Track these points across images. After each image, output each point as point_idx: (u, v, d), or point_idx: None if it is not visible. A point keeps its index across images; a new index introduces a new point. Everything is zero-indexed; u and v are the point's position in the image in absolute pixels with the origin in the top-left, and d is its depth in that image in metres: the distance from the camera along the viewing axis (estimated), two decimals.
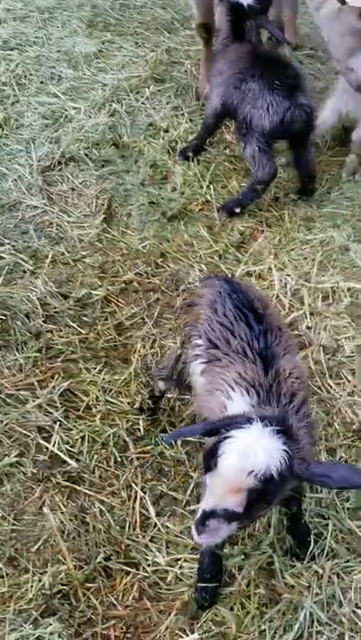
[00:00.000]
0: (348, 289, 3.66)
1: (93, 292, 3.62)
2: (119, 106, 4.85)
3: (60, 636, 2.41)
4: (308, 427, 2.25)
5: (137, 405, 3.11)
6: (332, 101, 4.48)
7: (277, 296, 3.66)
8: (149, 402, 3.06)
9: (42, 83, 5.12)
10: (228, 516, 1.92)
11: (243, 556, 2.60)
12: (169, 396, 3.10)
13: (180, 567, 2.63)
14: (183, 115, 4.84)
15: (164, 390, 2.95)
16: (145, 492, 2.87)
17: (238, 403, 2.21)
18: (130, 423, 3.09)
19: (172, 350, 2.84)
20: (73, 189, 4.24)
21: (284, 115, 3.88)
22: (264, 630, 2.42)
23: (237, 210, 4.13)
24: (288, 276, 3.77)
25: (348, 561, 2.60)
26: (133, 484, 2.89)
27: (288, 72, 4.00)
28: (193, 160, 4.45)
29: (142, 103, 4.95)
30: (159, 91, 5.06)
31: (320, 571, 2.55)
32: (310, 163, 4.27)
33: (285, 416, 2.12)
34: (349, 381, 3.26)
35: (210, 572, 2.51)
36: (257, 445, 1.89)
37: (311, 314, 3.56)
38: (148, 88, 5.04)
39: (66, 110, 4.80)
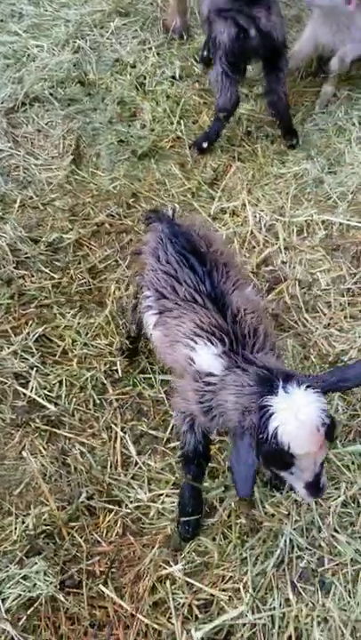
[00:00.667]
0: (323, 222, 3.62)
1: (65, 235, 3.56)
2: (83, 42, 4.66)
3: (45, 574, 2.45)
4: (279, 355, 2.32)
5: (117, 346, 3.10)
6: (308, 30, 4.34)
7: (251, 232, 3.61)
8: (127, 342, 3.03)
9: (1, 21, 4.89)
10: (323, 464, 2.06)
11: (223, 489, 2.64)
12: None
13: (162, 502, 2.67)
14: (150, 49, 4.66)
15: (137, 332, 2.93)
16: (125, 432, 2.89)
17: (204, 354, 2.21)
18: (107, 365, 3.08)
19: (130, 301, 2.85)
20: (39, 131, 4.10)
21: (241, 28, 3.63)
22: (245, 558, 2.48)
23: (205, 144, 4.02)
24: (262, 211, 3.71)
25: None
26: (113, 425, 2.91)
27: None
28: (162, 94, 4.31)
29: (107, 38, 4.75)
30: (124, 25, 4.86)
31: (299, 499, 2.60)
32: (280, 98, 3.98)
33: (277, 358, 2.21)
34: (325, 314, 3.25)
35: (191, 505, 2.55)
36: (296, 403, 1.95)
37: (286, 248, 3.52)
38: (113, 22, 4.84)
39: (28, 49, 4.60)
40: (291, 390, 1.98)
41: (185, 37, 4.80)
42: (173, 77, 4.48)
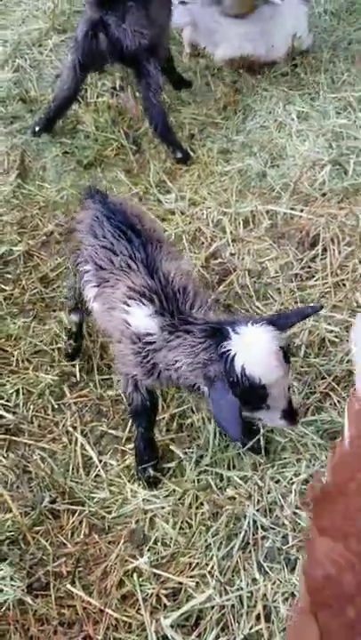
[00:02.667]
0: (267, 212, 3.68)
1: (14, 248, 3.57)
2: (23, 61, 4.73)
3: (12, 579, 2.43)
4: (213, 310, 2.46)
5: (63, 351, 3.11)
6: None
7: (199, 229, 3.66)
8: (71, 342, 3.06)
9: None
10: (289, 388, 2.27)
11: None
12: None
13: (125, 499, 2.67)
14: None
15: (79, 322, 3.00)
16: (85, 435, 2.88)
17: (138, 315, 2.34)
18: (64, 370, 3.09)
19: (68, 278, 2.94)
20: None
21: (90, 28, 3.69)
22: (210, 544, 2.48)
23: (36, 128, 4.19)
24: (209, 208, 3.76)
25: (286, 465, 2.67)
26: (73, 429, 2.90)
27: None
28: (104, 105, 4.37)
29: (47, 56, 4.83)
30: (62, 41, 4.94)
31: (260, 483, 2.61)
32: (152, 105, 3.94)
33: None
34: (276, 300, 3.29)
35: (147, 453, 2.67)
36: (250, 338, 2.14)
37: (234, 241, 3.57)
38: (51, 40, 4.92)
39: None
40: (240, 330, 2.16)
41: None
42: (114, 88, 4.54)
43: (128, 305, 2.36)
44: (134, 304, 2.35)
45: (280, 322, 2.24)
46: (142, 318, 2.33)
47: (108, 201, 2.69)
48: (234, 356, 2.11)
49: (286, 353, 2.17)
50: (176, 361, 2.27)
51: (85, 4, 3.78)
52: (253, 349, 2.12)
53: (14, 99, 4.44)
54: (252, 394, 2.14)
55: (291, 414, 2.26)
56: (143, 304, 2.33)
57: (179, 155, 4.07)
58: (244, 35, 4.53)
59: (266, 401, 2.17)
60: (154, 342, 2.32)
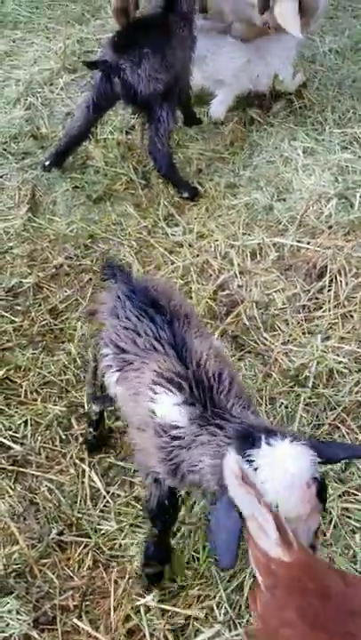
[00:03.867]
0: (274, 244, 3.72)
1: (24, 280, 3.61)
2: (34, 99, 4.85)
3: (18, 613, 2.40)
4: (253, 408, 2.10)
5: (84, 440, 2.94)
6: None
7: (207, 261, 3.69)
8: (91, 430, 2.87)
9: None
10: (317, 533, 1.78)
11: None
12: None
13: (133, 532, 2.64)
14: None
15: (101, 411, 2.79)
16: (93, 466, 2.88)
17: (166, 404, 2.03)
18: (72, 401, 3.10)
19: (89, 365, 2.71)
20: None
21: (107, 72, 3.77)
22: (219, 577, 2.45)
23: (47, 163, 4.24)
24: (216, 240, 3.81)
25: None
26: (80, 460, 2.89)
27: (137, 37, 3.84)
28: (113, 142, 4.47)
29: (58, 94, 4.95)
30: (73, 80, 5.07)
31: None
32: (157, 150, 4.01)
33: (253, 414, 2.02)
34: (283, 332, 3.30)
35: (156, 558, 2.42)
36: (282, 456, 1.72)
37: (241, 273, 3.60)
38: (62, 79, 5.05)
39: None
40: (275, 443, 1.75)
41: None
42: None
43: (154, 392, 2.06)
44: (161, 391, 2.04)
45: (326, 450, 1.82)
46: (169, 408, 2.01)
47: (130, 279, 2.47)
48: (255, 470, 1.72)
49: (322, 489, 1.74)
50: (200, 460, 1.94)
51: (101, 48, 3.88)
52: (279, 470, 1.71)
53: (26, 135, 4.54)
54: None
55: None
56: (171, 391, 2.02)
57: (185, 194, 4.12)
58: (230, 60, 4.61)
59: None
60: (181, 437, 1.99)
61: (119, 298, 2.37)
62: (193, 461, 1.96)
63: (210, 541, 2.13)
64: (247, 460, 1.73)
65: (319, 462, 1.76)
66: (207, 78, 4.72)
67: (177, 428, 1.99)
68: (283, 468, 1.69)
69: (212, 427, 1.93)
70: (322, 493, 1.74)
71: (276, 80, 4.71)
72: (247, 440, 1.78)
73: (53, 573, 2.53)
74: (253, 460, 1.73)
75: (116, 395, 2.37)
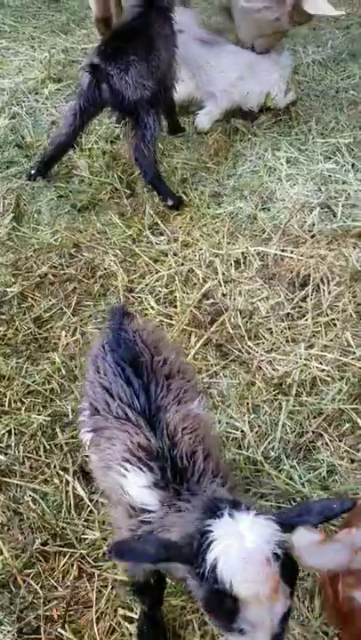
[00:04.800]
0: (258, 253, 3.75)
1: (8, 289, 3.61)
2: (19, 108, 4.86)
3: (2, 624, 2.39)
4: (225, 475, 1.95)
5: (76, 466, 2.86)
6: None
7: (192, 270, 3.71)
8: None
9: None
10: (285, 622, 1.55)
11: None
12: None
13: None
14: None
15: None
16: (77, 476, 2.87)
17: (135, 484, 1.89)
18: (56, 410, 3.09)
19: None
20: None
21: (94, 78, 3.81)
22: None
23: (32, 172, 4.25)
24: (200, 249, 3.83)
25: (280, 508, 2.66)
26: (64, 470, 2.89)
27: (122, 46, 3.85)
28: (99, 151, 4.49)
29: (42, 103, 4.97)
30: (58, 90, 5.09)
31: None
32: (143, 156, 4.01)
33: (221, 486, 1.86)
34: (267, 340, 3.33)
35: (150, 635, 2.31)
36: (241, 529, 1.57)
37: (225, 281, 3.62)
38: (47, 88, 5.07)
39: None
40: (237, 515, 1.59)
41: None
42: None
43: (126, 469, 1.91)
44: (131, 469, 1.89)
45: (295, 521, 1.62)
46: (139, 489, 1.87)
47: (121, 327, 2.29)
48: (211, 542, 1.55)
49: (290, 568, 1.55)
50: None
51: (89, 54, 3.91)
52: (236, 543, 1.53)
53: (10, 144, 4.55)
54: (218, 601, 1.52)
55: None
56: (142, 471, 1.87)
57: (170, 202, 4.14)
58: (224, 74, 4.68)
59: (237, 620, 1.50)
60: (152, 522, 1.83)
61: (103, 347, 2.24)
62: None
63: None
64: (206, 532, 1.58)
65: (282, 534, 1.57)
66: (199, 88, 4.77)
67: (147, 511, 1.85)
68: (240, 543, 1.53)
69: (181, 505, 1.79)
70: (288, 574, 1.53)
71: (268, 97, 4.79)
72: (210, 511, 1.65)
73: (37, 584, 2.52)
74: (212, 532, 1.57)
75: (89, 457, 2.26)
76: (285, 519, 1.62)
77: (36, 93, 5.03)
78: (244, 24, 4.74)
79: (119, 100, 3.85)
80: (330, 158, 4.47)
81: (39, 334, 3.43)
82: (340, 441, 2.92)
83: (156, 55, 3.96)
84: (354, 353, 3.23)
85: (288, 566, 1.54)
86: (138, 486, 1.87)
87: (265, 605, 1.48)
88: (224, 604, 1.50)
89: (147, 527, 1.83)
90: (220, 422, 2.98)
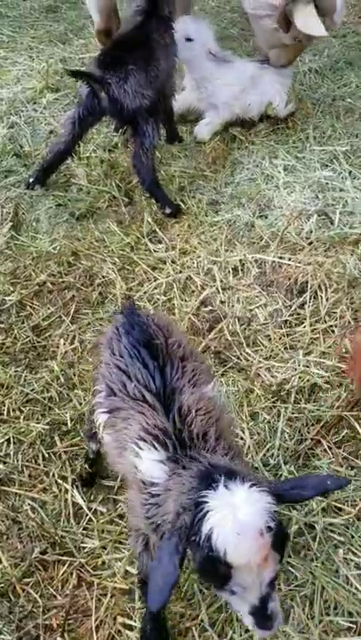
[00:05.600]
0: (256, 260, 3.76)
1: (7, 297, 3.61)
2: (17, 117, 4.88)
3: (1, 633, 2.39)
4: (235, 455, 2.01)
5: (75, 474, 2.88)
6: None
7: (190, 277, 3.72)
8: (87, 467, 2.81)
9: None
10: (273, 584, 1.67)
11: None
12: None
13: (117, 548, 2.64)
14: None
15: (97, 450, 2.68)
16: (75, 484, 2.86)
17: (148, 461, 1.96)
18: (55, 419, 3.09)
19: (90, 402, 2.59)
20: None
21: (94, 87, 3.82)
22: (202, 594, 2.44)
23: (31, 180, 4.26)
24: (199, 257, 3.84)
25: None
26: (63, 478, 2.88)
27: (123, 55, 3.88)
28: (97, 159, 4.52)
29: (41, 113, 4.98)
30: (56, 99, 5.11)
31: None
32: (141, 163, 4.03)
33: (224, 457, 1.92)
34: (266, 347, 3.33)
35: (153, 636, 2.30)
36: (236, 501, 1.64)
37: (223, 289, 3.63)
38: (45, 98, 5.08)
39: None
40: (233, 487, 1.67)
41: None
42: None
43: (140, 447, 1.99)
44: (146, 447, 1.97)
45: (289, 494, 1.74)
46: (151, 465, 1.94)
47: (132, 311, 2.37)
48: (206, 513, 1.64)
49: (280, 538, 1.65)
50: (169, 507, 1.85)
51: (88, 63, 3.93)
52: (233, 515, 1.61)
53: (9, 154, 4.56)
54: (212, 567, 1.63)
55: (262, 617, 1.65)
56: (155, 448, 1.95)
57: (168, 210, 4.15)
58: (227, 87, 4.70)
59: (228, 584, 1.63)
60: (159, 494, 1.91)
61: (117, 330, 2.30)
62: (165, 513, 1.87)
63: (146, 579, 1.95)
64: (201, 502, 1.66)
65: (287, 503, 1.69)
66: (201, 100, 4.79)
67: (155, 485, 1.92)
68: (234, 513, 1.61)
69: (182, 469, 1.87)
70: (279, 544, 1.64)
71: (269, 107, 4.82)
72: (206, 481, 1.72)
73: (37, 592, 2.52)
74: (207, 502, 1.66)
75: (102, 438, 2.29)
76: (280, 490, 1.72)
77: (34, 103, 5.05)
78: (256, 31, 4.81)
79: (118, 109, 3.86)
80: (327, 166, 4.49)
81: (38, 342, 3.43)
82: (338, 448, 2.92)
83: (155, 65, 3.98)
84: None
85: (279, 536, 1.64)
86: (149, 460, 1.95)
87: (255, 571, 1.61)
88: (218, 570, 1.62)
89: (154, 500, 1.92)
90: None
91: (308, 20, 4.19)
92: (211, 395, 2.15)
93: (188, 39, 4.48)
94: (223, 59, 4.69)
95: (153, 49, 3.99)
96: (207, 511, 1.64)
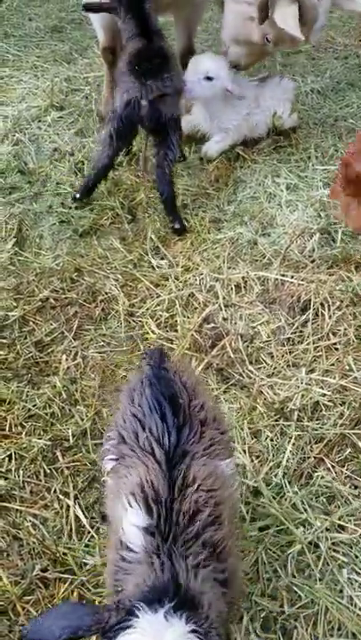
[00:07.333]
0: (259, 278, 3.77)
1: (10, 313, 3.62)
2: (22, 135, 4.92)
3: None
4: (216, 560, 1.78)
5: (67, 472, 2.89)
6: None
7: (193, 294, 3.73)
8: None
9: None
10: None
11: None
12: None
13: None
14: (86, 137, 4.94)
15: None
16: (77, 501, 2.85)
17: (130, 524, 1.81)
18: (57, 434, 3.08)
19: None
20: None
21: (133, 96, 3.91)
22: None
23: (77, 195, 4.32)
24: (201, 274, 3.85)
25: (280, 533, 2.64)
26: (65, 495, 2.87)
27: (160, 63, 3.98)
28: None
29: (45, 130, 5.03)
30: (61, 117, 5.16)
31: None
32: (164, 174, 4.13)
33: (184, 580, 1.64)
34: (268, 364, 3.33)
35: None
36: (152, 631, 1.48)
37: (226, 306, 3.64)
38: (50, 116, 5.14)
39: None
40: (170, 623, 1.49)
41: None
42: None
43: (129, 504, 1.84)
44: (135, 505, 1.82)
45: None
46: (131, 528, 1.80)
47: (161, 363, 2.26)
48: (128, 628, 1.50)
49: None
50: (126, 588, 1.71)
51: (123, 74, 4.03)
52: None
53: (13, 170, 4.59)
54: None
55: None
56: (142, 510, 1.80)
57: (177, 225, 4.18)
58: (235, 112, 4.76)
59: None
60: (130, 561, 1.77)
61: (141, 381, 2.18)
62: (126, 586, 1.73)
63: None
64: (133, 612, 1.51)
65: None
66: (212, 127, 4.83)
67: (130, 550, 1.78)
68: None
69: (151, 553, 1.72)
70: None
71: (275, 118, 4.88)
72: (155, 596, 1.56)
73: (37, 611, 2.49)
74: (136, 619, 1.51)
75: (106, 483, 2.24)
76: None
77: (39, 121, 5.10)
78: (225, 19, 4.76)
79: (157, 117, 3.95)
80: (329, 185, 4.51)
81: (40, 358, 3.43)
82: (342, 466, 2.91)
83: (177, 78, 4.12)
84: (355, 377, 3.23)
85: None
86: (131, 524, 1.81)
87: None
88: None
89: (123, 565, 1.79)
90: None
91: (287, 17, 4.17)
92: (225, 471, 2.01)
93: (208, 78, 4.50)
94: (238, 96, 4.71)
95: (169, 59, 4.11)
96: (130, 627, 1.50)
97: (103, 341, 3.53)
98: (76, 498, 2.85)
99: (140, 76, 3.92)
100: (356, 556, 2.59)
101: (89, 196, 4.35)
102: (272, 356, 3.37)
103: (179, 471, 1.87)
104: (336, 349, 3.39)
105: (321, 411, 3.12)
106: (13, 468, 2.95)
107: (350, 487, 2.83)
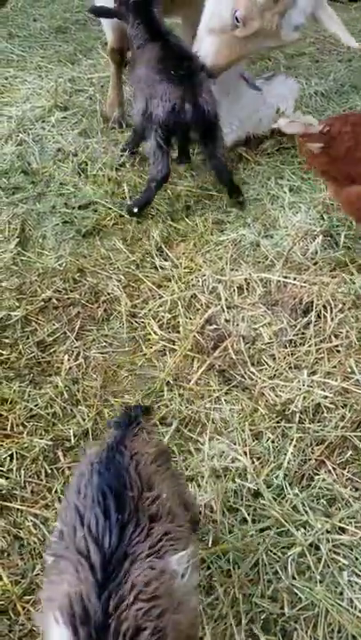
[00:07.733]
0: (261, 279, 3.77)
1: (12, 313, 3.62)
2: (26, 135, 4.93)
3: None
4: None
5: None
6: None
7: (195, 295, 3.73)
8: None
9: None
10: None
11: None
12: None
13: None
14: (90, 137, 4.95)
15: None
16: None
17: (55, 636, 1.56)
18: (59, 434, 3.08)
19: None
20: None
21: (176, 102, 3.97)
22: (204, 615, 2.42)
23: (135, 209, 4.27)
24: (204, 276, 3.86)
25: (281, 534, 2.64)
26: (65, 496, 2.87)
27: (189, 63, 4.06)
28: (104, 177, 4.55)
29: (49, 131, 5.03)
30: (64, 118, 5.16)
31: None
32: (220, 161, 4.33)
33: None
34: (270, 366, 3.33)
35: None
36: None
37: (228, 307, 3.64)
38: (54, 116, 5.14)
39: None
40: None
41: (123, 126, 5.14)
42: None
43: (57, 620, 1.55)
44: (62, 621, 1.54)
45: None
46: None
47: (119, 446, 1.96)
48: None
49: None
50: None
51: (149, 80, 4.09)
52: None
53: (17, 171, 4.60)
54: None
55: None
56: (70, 629, 1.52)
57: (240, 199, 4.39)
58: (242, 108, 4.77)
59: None
60: None
61: (91, 466, 1.89)
62: None
63: None
64: None
65: None
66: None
67: None
68: None
69: None
70: None
71: (279, 112, 4.87)
72: None
73: (37, 611, 2.49)
74: None
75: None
76: None
77: (43, 121, 5.11)
78: (207, 6, 4.43)
79: (201, 116, 4.04)
80: None
81: (42, 358, 3.44)
82: (343, 468, 2.91)
83: (205, 69, 4.17)
84: (357, 380, 3.23)
85: None
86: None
87: None
88: None
89: None
90: (222, 452, 2.97)
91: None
92: (173, 569, 1.69)
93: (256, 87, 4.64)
94: (252, 85, 4.74)
95: (196, 57, 4.19)
96: None
97: (105, 342, 3.53)
98: None
99: (179, 81, 3.98)
100: (357, 559, 2.58)
101: (145, 209, 4.32)
102: (274, 358, 3.36)
103: (115, 580, 1.58)
104: (338, 352, 3.39)
105: (322, 413, 3.12)
106: (15, 468, 2.95)
107: (351, 489, 2.83)
